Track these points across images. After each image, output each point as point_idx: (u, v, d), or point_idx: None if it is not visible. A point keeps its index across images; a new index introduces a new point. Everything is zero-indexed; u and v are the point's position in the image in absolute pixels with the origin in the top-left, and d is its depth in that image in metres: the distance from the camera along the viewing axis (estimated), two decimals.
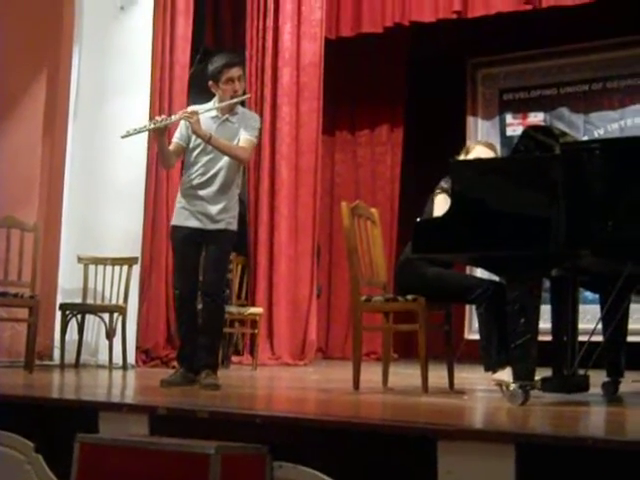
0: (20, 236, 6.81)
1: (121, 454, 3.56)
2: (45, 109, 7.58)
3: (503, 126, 10.28)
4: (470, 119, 10.42)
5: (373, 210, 5.69)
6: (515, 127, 10.05)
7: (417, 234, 4.69)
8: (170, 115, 5.50)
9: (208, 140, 5.30)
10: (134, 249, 7.50)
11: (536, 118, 10.05)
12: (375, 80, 10.39)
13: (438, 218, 5.00)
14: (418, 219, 5.13)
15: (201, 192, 5.38)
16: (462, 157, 5.40)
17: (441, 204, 5.19)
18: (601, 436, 3.19)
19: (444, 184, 5.29)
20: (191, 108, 5.48)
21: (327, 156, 10.23)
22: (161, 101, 7.87)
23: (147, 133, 6.63)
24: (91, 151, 7.58)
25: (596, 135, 9.60)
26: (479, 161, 5.09)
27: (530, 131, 5.01)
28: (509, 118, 10.27)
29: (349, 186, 10.44)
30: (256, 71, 8.77)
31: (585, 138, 9.23)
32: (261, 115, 8.20)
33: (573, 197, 4.13)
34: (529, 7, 8.22)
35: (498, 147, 9.99)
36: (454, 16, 8.52)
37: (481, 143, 5.54)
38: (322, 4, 8.80)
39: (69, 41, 7.66)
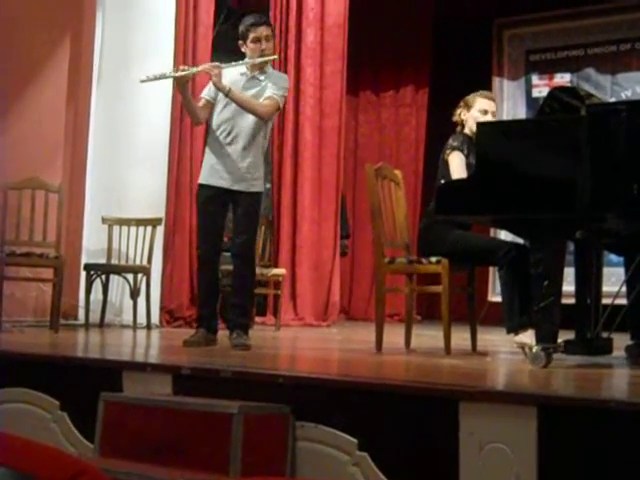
0: (45, 197, 6.86)
1: (145, 413, 3.59)
2: (69, 72, 7.58)
3: (529, 87, 10.19)
4: (496, 80, 10.34)
5: (397, 172, 5.67)
6: (541, 88, 9.95)
7: (442, 195, 4.68)
8: (193, 66, 5.47)
9: (227, 93, 5.28)
10: (158, 210, 7.52)
11: (562, 79, 9.95)
12: (400, 41, 10.33)
13: (463, 180, 4.99)
14: (442, 181, 5.12)
15: (227, 149, 5.37)
16: (464, 112, 5.39)
17: (456, 162, 5.18)
18: (624, 398, 3.19)
19: (453, 142, 5.28)
20: (219, 63, 5.46)
21: (351, 117, 10.20)
22: (185, 63, 7.79)
23: (172, 89, 6.61)
24: (115, 113, 7.58)
25: (623, 97, 9.50)
26: (504, 122, 5.08)
27: (556, 92, 4.95)
28: (535, 79, 10.18)
29: (373, 148, 10.41)
30: (280, 32, 8.72)
31: (612, 99, 9.14)
32: None
33: (598, 159, 4.09)
34: None
35: (524, 109, 10.01)
36: None
37: (482, 94, 5.50)
38: None
39: (92, 4, 7.64)
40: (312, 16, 8.72)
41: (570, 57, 10.00)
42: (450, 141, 5.32)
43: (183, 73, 5.31)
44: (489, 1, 10.03)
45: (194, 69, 5.42)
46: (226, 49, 8.45)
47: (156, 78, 5.40)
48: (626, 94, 9.57)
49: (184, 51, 7.87)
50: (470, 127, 5.34)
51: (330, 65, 8.77)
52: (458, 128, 5.48)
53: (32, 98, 7.54)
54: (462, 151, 5.22)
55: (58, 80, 7.57)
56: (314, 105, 8.72)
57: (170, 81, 7.23)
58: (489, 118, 5.36)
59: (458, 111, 5.48)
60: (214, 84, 5.32)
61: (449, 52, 10.30)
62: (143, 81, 5.43)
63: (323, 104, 8.76)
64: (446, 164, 5.26)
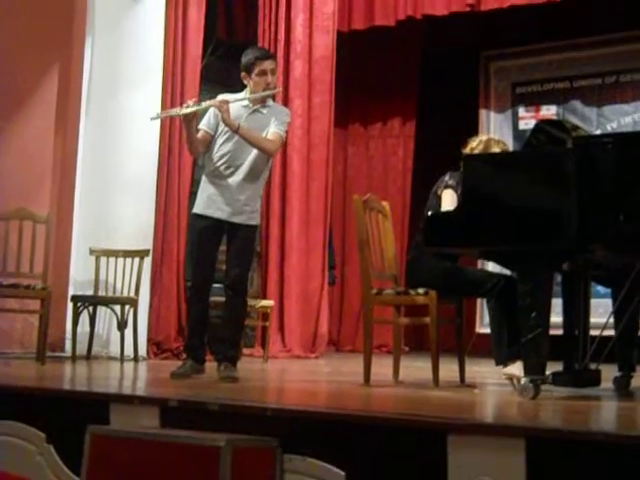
0: (32, 228, 6.83)
1: (132, 446, 3.57)
2: (57, 101, 7.59)
3: (516, 119, 10.26)
4: (483, 112, 10.40)
5: (384, 203, 5.68)
6: (528, 120, 10.01)
7: (429, 228, 4.69)
8: (200, 102, 5.48)
9: (236, 130, 5.28)
10: (146, 241, 7.52)
11: (549, 111, 10.02)
12: (387, 73, 10.39)
13: (450, 212, 5.00)
14: (430, 212, 5.13)
15: (227, 181, 5.37)
16: (475, 147, 5.35)
17: (448, 200, 5.19)
18: (612, 431, 3.19)
19: (449, 180, 5.28)
20: (222, 96, 5.46)
21: (340, 149, 10.24)
22: (173, 93, 7.87)
23: (159, 121, 6.64)
24: (103, 143, 7.58)
25: (609, 128, 9.56)
26: (491, 155, 5.09)
27: (542, 125, 4.99)
28: (522, 111, 10.25)
29: (361, 179, 10.44)
30: None
31: (598, 131, 9.21)
32: None
33: (585, 191, 4.12)
34: (543, 0, 8.19)
35: (510, 140, 10.08)
36: (467, 9, 8.49)
37: (501, 145, 5.45)
38: None
39: (81, 33, 7.65)
40: (300, 48, 8.76)
41: (556, 89, 10.08)
42: (447, 178, 5.31)
43: (191, 110, 5.30)
44: (476, 34, 10.10)
45: (202, 104, 5.40)
46: (214, 80, 8.52)
47: (166, 115, 5.42)
48: (612, 126, 9.64)
49: (172, 81, 7.89)
50: None
51: (318, 97, 8.80)
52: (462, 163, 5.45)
53: (20, 127, 7.55)
54: (456, 191, 5.23)
55: (46, 109, 7.58)
56: (302, 136, 8.75)
57: (158, 109, 7.31)
58: None
59: (472, 146, 5.35)
60: (223, 120, 5.30)
61: (436, 84, 10.36)
62: (153, 119, 5.48)
63: (311, 136, 8.79)
64: (438, 198, 5.27)
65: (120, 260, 7.34)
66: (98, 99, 7.64)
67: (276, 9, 8.84)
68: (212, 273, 5.49)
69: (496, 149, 5.39)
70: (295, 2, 8.79)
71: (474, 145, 5.41)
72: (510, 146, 10.03)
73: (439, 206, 5.23)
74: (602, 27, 9.46)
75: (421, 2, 8.69)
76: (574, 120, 8.97)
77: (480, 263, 8.45)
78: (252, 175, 5.39)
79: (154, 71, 7.79)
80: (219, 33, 9.28)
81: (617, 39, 9.63)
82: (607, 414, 4.22)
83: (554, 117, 9.71)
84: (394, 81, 10.37)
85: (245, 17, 9.49)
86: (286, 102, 8.65)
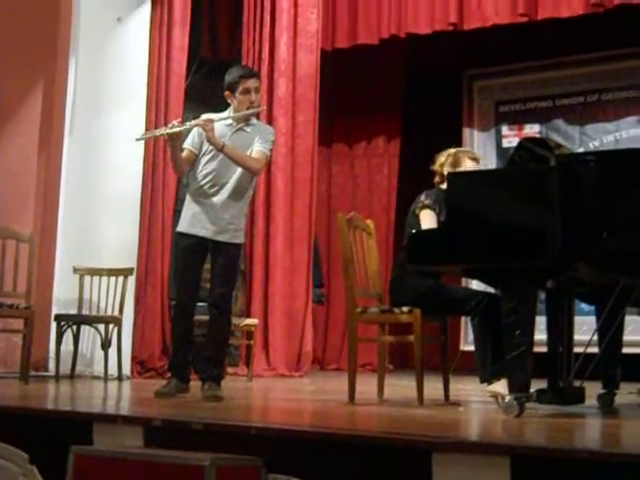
0: (16, 247, 6.80)
1: (116, 466, 3.54)
2: (41, 120, 7.58)
3: (499, 138, 10.31)
4: (466, 130, 10.45)
5: (369, 221, 5.69)
6: (511, 139, 10.07)
7: (412, 245, 4.69)
8: (184, 121, 5.48)
9: (221, 149, 5.28)
10: (130, 260, 7.50)
11: (532, 130, 10.08)
12: (371, 91, 10.43)
13: (434, 230, 5.02)
14: (414, 231, 5.14)
15: (211, 199, 5.36)
16: (448, 168, 5.38)
17: (427, 220, 5.21)
18: (597, 448, 3.19)
19: (425, 200, 5.30)
20: (206, 116, 5.45)
21: (324, 167, 10.25)
22: (157, 112, 7.88)
23: (143, 142, 6.66)
24: (87, 162, 7.58)
25: (592, 147, 9.63)
26: (475, 173, 5.11)
27: (526, 143, 5.02)
28: (505, 130, 10.30)
29: (346, 197, 10.46)
30: None
31: (581, 150, 9.26)
32: None
33: (568, 209, 4.13)
34: (525, 19, 8.24)
35: (494, 158, 10.12)
36: (450, 28, 8.53)
37: (470, 156, 5.51)
38: (318, 15, 8.81)
39: (65, 53, 7.65)
40: (284, 67, 8.78)
41: (539, 108, 10.14)
42: (422, 197, 5.34)
43: (175, 130, 5.30)
44: (459, 53, 10.16)
45: (187, 125, 5.39)
46: (198, 99, 8.53)
47: (151, 136, 5.42)
48: (594, 144, 9.71)
49: (157, 100, 7.90)
50: None
51: (302, 115, 8.82)
52: (436, 179, 5.49)
53: (3, 145, 7.54)
54: (434, 210, 5.25)
55: (30, 128, 7.57)
56: (286, 155, 8.75)
57: (142, 128, 7.31)
58: None
59: (441, 161, 5.45)
60: (208, 140, 5.30)
61: (420, 102, 10.41)
62: (138, 140, 5.47)
63: (295, 154, 8.80)
64: (416, 218, 5.29)
65: (104, 279, 7.32)
66: (82, 118, 7.63)
67: (260, 28, 8.86)
68: (196, 292, 5.48)
69: (465, 159, 5.43)
70: (279, 21, 8.81)
71: (443, 160, 5.46)
72: (494, 164, 10.13)
73: (418, 225, 5.25)
74: (584, 46, 9.53)
75: (405, 21, 8.74)
76: (557, 138, 9.03)
77: (465, 281, 8.47)
78: (236, 194, 5.39)
79: (138, 90, 7.81)
80: (203, 51, 9.30)
81: (599, 58, 9.71)
82: (591, 432, 4.22)
83: (537, 135, 9.76)
84: (378, 99, 10.41)
85: (229, 36, 9.51)
86: (270, 120, 8.66)
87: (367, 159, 10.54)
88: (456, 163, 5.41)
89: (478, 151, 10.14)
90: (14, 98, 7.57)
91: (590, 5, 7.84)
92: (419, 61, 10.25)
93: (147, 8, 8.01)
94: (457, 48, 9.89)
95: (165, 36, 8.04)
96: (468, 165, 5.40)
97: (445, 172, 5.34)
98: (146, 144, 7.58)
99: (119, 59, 7.77)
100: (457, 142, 9.93)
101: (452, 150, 5.53)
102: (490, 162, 10.18)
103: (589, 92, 9.85)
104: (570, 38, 9.33)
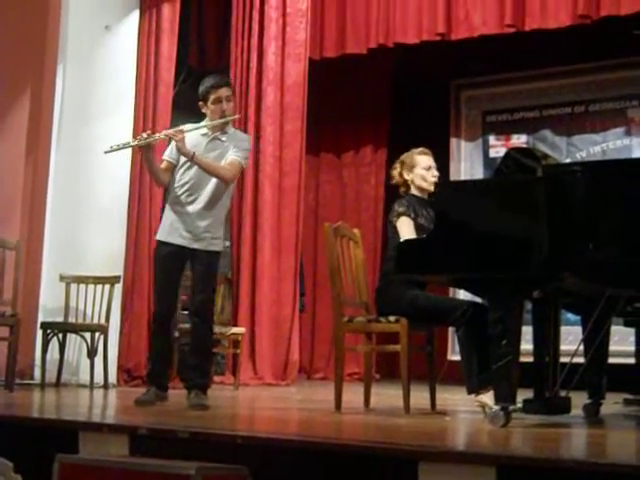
0: (1, 254, 6.80)
1: (101, 474, 3.53)
2: (28, 128, 7.56)
3: (486, 147, 10.33)
4: (453, 140, 10.47)
5: (356, 230, 5.70)
6: (498, 149, 10.09)
7: (400, 254, 4.70)
8: (154, 133, 5.51)
9: (191, 158, 5.32)
10: (116, 268, 7.49)
11: (519, 140, 10.11)
12: (359, 101, 10.44)
13: (421, 239, 5.02)
14: (402, 239, 5.14)
15: (187, 208, 5.41)
16: (406, 172, 5.44)
17: (405, 227, 5.23)
18: (582, 458, 3.19)
19: (399, 208, 5.32)
20: (185, 126, 5.49)
21: (312, 176, 10.25)
22: (145, 120, 7.87)
23: (131, 150, 6.67)
24: (74, 170, 7.56)
25: (578, 157, 9.66)
26: (462, 182, 5.14)
27: (513, 153, 5.04)
28: (492, 140, 10.33)
29: (334, 206, 10.46)
30: (240, 91, 8.77)
31: (568, 160, 9.28)
32: None
33: (555, 219, 4.15)
34: (512, 30, 8.26)
35: (481, 169, 10.15)
36: (438, 38, 8.55)
37: (418, 152, 5.55)
38: (306, 25, 8.82)
39: (53, 60, 7.64)
40: (272, 76, 8.78)
41: (526, 118, 10.17)
42: (396, 207, 5.37)
43: (146, 141, 5.33)
44: (447, 63, 10.18)
45: (157, 136, 5.43)
46: (186, 108, 8.50)
47: (119, 148, 5.42)
48: (581, 155, 9.74)
49: (144, 109, 7.90)
50: (418, 185, 5.42)
51: (290, 124, 8.82)
52: (402, 189, 5.52)
53: None
54: (409, 215, 5.27)
55: (17, 135, 7.55)
56: (274, 164, 8.75)
57: (130, 137, 7.29)
58: (435, 173, 5.44)
59: (397, 171, 5.53)
60: (178, 149, 5.35)
61: (407, 112, 10.42)
62: (107, 152, 5.44)
63: (283, 163, 8.80)
64: (395, 229, 5.31)
65: (90, 287, 7.30)
66: (70, 125, 7.62)
67: (248, 37, 8.86)
68: (176, 300, 5.55)
69: (416, 157, 5.49)
70: (267, 30, 8.82)
71: (398, 169, 5.54)
72: (481, 174, 10.15)
73: (397, 234, 5.26)
74: (571, 57, 9.58)
75: (392, 30, 8.75)
76: (544, 149, 9.06)
77: (452, 291, 8.48)
78: (212, 203, 5.42)
79: (126, 99, 7.80)
80: (191, 61, 9.30)
81: (586, 69, 9.75)
82: (577, 441, 4.23)
83: (524, 145, 9.79)
84: (366, 109, 10.43)
85: (217, 45, 9.51)
86: (258, 129, 8.67)
87: (355, 168, 10.55)
88: (411, 165, 5.47)
89: (465, 161, 10.21)
90: (1, 106, 7.55)
91: (577, 16, 7.86)
92: (407, 71, 10.27)
93: (135, 17, 8.02)
94: (445, 58, 9.91)
95: (153, 45, 8.04)
96: (423, 160, 5.47)
97: (406, 178, 5.46)
98: (134, 153, 7.56)
99: (107, 67, 7.76)
100: (444, 152, 9.97)
101: (401, 157, 5.58)
102: (477, 172, 10.20)
103: (576, 103, 9.89)
104: (557, 49, 9.37)
